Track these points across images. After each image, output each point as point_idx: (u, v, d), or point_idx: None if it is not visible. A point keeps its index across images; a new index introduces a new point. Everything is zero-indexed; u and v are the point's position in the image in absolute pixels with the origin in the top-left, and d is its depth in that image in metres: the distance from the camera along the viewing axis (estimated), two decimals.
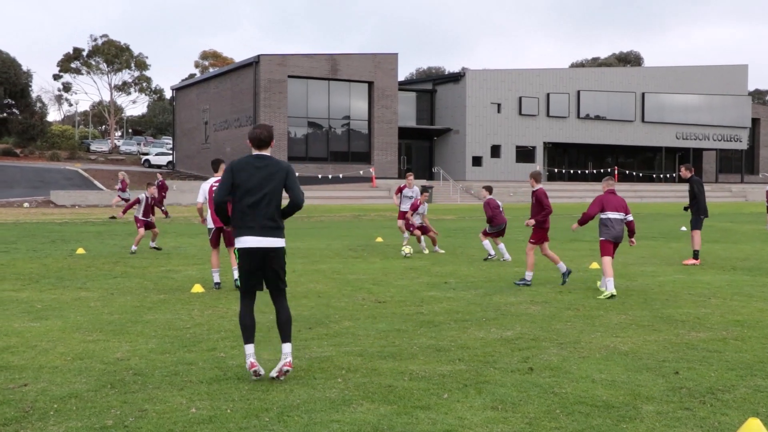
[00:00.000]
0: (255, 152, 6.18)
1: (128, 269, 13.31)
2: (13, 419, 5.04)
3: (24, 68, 67.22)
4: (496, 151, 55.63)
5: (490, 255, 14.89)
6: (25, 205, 37.99)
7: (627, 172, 61.80)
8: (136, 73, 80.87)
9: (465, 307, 9.49)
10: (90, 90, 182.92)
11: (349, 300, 9.99)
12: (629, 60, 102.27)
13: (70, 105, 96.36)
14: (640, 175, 63.33)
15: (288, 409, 5.24)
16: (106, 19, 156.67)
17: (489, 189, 15.25)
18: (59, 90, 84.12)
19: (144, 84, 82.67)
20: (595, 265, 13.60)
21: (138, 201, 16.34)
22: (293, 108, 48.07)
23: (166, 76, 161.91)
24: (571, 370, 6.36)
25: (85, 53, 77.48)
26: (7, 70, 63.34)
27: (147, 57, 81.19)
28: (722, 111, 64.45)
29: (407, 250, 15.58)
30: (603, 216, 10.74)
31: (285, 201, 6.25)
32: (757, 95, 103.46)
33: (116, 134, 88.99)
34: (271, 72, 46.75)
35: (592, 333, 7.89)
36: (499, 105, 55.36)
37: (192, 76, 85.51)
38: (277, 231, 6.09)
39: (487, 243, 15.00)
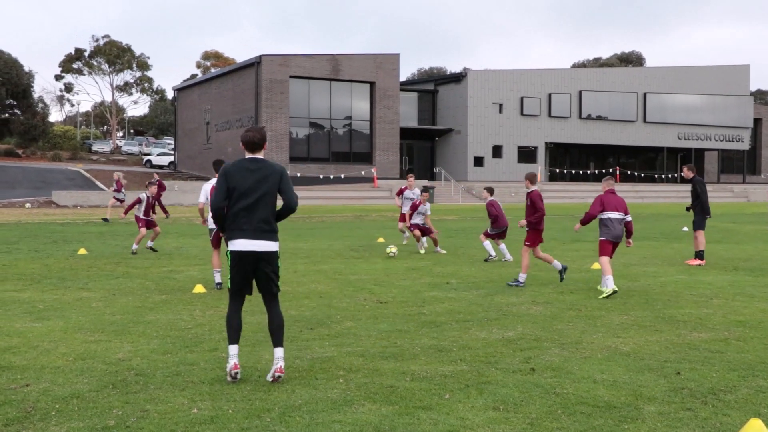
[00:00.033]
0: (248, 155, 6.13)
1: (130, 270, 13.32)
2: (15, 419, 5.04)
3: (26, 69, 67.28)
4: (497, 151, 55.62)
5: (490, 256, 14.89)
6: (27, 205, 38.02)
7: (629, 172, 61.77)
8: (138, 74, 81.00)
9: (467, 307, 9.49)
10: (92, 90, 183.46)
11: (351, 300, 9.99)
12: (631, 60, 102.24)
13: (72, 105, 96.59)
14: (642, 175, 63.29)
15: (290, 410, 5.24)
16: (108, 20, 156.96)
17: (490, 190, 15.26)
18: (61, 90, 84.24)
19: (145, 84, 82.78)
20: (596, 266, 13.58)
21: (139, 201, 16.36)
22: (295, 108, 48.09)
23: (168, 77, 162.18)
24: (573, 370, 6.35)
25: (86, 54, 77.57)
26: (9, 71, 63.39)
27: (149, 57, 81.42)
28: (724, 111, 64.40)
29: (393, 249, 15.55)
30: (603, 216, 10.78)
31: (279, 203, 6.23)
32: (759, 95, 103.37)
33: (118, 135, 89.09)
34: (272, 72, 46.77)
35: (594, 333, 7.89)
36: (500, 105, 55.35)
37: (193, 76, 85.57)
38: (270, 234, 6.03)
39: (487, 244, 14.99)
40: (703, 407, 5.38)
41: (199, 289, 10.69)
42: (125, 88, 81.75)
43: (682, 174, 15.55)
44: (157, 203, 17.00)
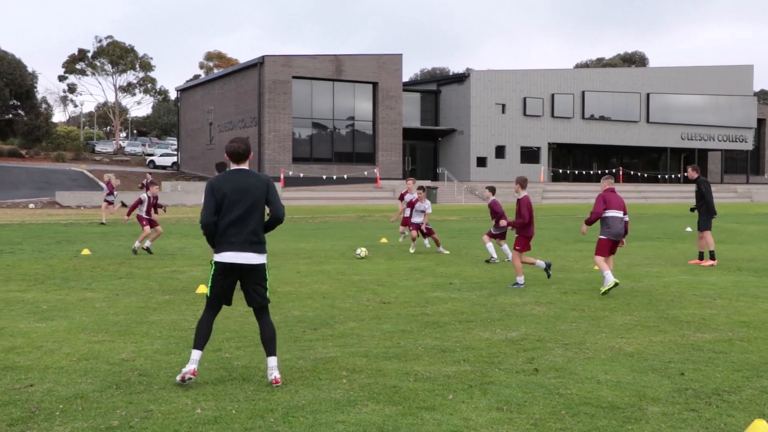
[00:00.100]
0: (233, 167, 6.05)
1: (133, 270, 13.33)
2: (19, 419, 5.05)
3: (29, 69, 67.33)
4: (500, 151, 55.59)
5: (492, 257, 14.86)
6: (31, 206, 38.09)
7: (632, 172, 61.70)
8: (141, 74, 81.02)
9: (470, 307, 9.49)
10: (95, 91, 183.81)
11: (354, 301, 9.99)
12: (634, 60, 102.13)
13: (75, 106, 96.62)
14: (645, 175, 63.21)
15: (293, 410, 5.25)
16: (111, 21, 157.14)
17: (492, 189, 15.25)
18: (64, 91, 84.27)
19: (149, 85, 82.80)
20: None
21: (140, 201, 16.39)
22: (298, 109, 48.11)
23: (171, 77, 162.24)
24: (577, 371, 6.35)
25: (90, 54, 77.65)
26: (13, 72, 63.47)
27: (152, 58, 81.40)
28: (728, 111, 64.29)
29: (363, 252, 15.51)
30: (605, 214, 10.85)
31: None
32: (763, 96, 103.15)
33: (121, 135, 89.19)
34: (275, 73, 46.79)
35: (597, 334, 7.88)
36: (503, 105, 55.32)
37: (196, 77, 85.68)
38: (258, 246, 5.94)
39: (490, 245, 14.97)
40: (707, 408, 5.38)
41: (202, 289, 10.69)
42: (128, 88, 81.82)
43: (687, 174, 15.53)
44: (156, 206, 17.02)
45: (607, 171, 59.10)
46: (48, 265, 14.07)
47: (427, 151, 57.38)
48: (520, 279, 11.36)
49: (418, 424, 4.98)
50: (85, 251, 16.29)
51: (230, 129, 51.25)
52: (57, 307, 9.37)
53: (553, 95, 56.87)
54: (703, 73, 63.55)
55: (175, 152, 64.08)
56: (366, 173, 49.02)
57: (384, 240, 19.65)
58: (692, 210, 15.50)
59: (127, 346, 7.25)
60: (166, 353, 6.91)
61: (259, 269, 5.97)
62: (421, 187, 17.18)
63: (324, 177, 47.65)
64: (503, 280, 12.18)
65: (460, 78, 55.84)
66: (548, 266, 11.68)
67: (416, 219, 16.79)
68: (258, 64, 47.07)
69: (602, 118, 59.30)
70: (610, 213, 10.81)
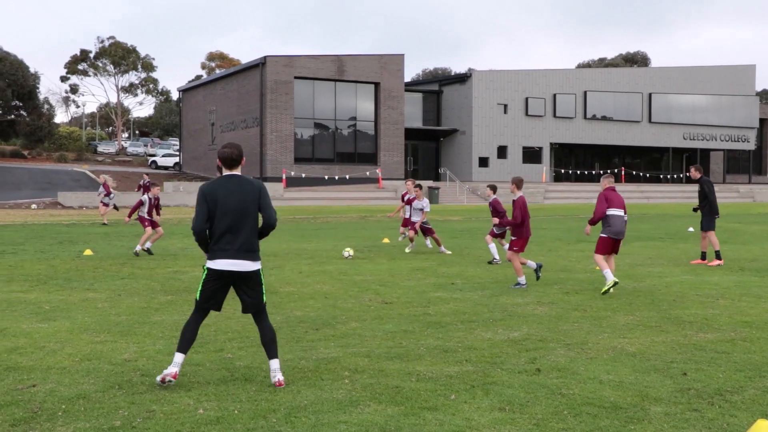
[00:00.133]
0: (226, 172, 5.99)
1: (135, 270, 13.34)
2: (21, 420, 5.06)
3: (32, 70, 67.39)
4: (502, 151, 55.56)
5: (495, 259, 14.83)
6: (33, 206, 38.13)
7: (634, 172, 61.63)
8: (143, 75, 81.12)
9: (472, 308, 9.49)
10: (97, 92, 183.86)
11: (356, 301, 10.00)
12: (636, 60, 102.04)
13: (78, 107, 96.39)
14: (647, 175, 63.15)
15: (295, 410, 5.25)
16: (113, 21, 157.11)
17: (493, 188, 15.23)
18: (66, 92, 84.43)
19: (151, 85, 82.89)
20: None
21: (141, 203, 16.41)
22: (299, 109, 48.12)
23: (173, 78, 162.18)
24: (579, 371, 6.34)
25: (92, 55, 77.74)
26: (15, 72, 63.54)
27: (154, 58, 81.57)
28: (730, 111, 64.22)
29: (349, 252, 15.49)
30: (607, 212, 10.88)
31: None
32: (765, 95, 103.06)
33: (123, 136, 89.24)
34: (277, 73, 46.81)
35: (600, 334, 7.88)
36: (505, 106, 55.29)
37: (198, 77, 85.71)
38: (252, 254, 5.89)
39: (492, 246, 14.95)
40: (710, 408, 5.37)
41: None
42: (130, 89, 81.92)
43: (690, 174, 15.52)
44: (156, 208, 17.04)
45: (609, 171, 59.06)
46: (50, 265, 14.08)
47: (429, 151, 57.37)
48: (522, 279, 11.37)
49: (421, 424, 4.98)
50: (88, 252, 16.30)
51: (232, 129, 51.28)
52: (59, 308, 9.38)
53: (555, 95, 56.83)
54: (705, 73, 63.48)
55: (177, 153, 64.12)
56: (368, 173, 49.02)
57: (386, 240, 19.65)
58: (695, 210, 15.48)
59: (129, 346, 7.26)
60: (168, 353, 6.91)
61: (254, 276, 5.93)
62: (418, 185, 17.19)
63: (326, 177, 47.66)
64: (505, 280, 12.18)
65: (462, 78, 55.82)
66: (539, 267, 11.72)
67: (416, 218, 16.80)
68: (260, 65, 47.09)
69: (604, 118, 59.25)
70: (612, 211, 10.86)
